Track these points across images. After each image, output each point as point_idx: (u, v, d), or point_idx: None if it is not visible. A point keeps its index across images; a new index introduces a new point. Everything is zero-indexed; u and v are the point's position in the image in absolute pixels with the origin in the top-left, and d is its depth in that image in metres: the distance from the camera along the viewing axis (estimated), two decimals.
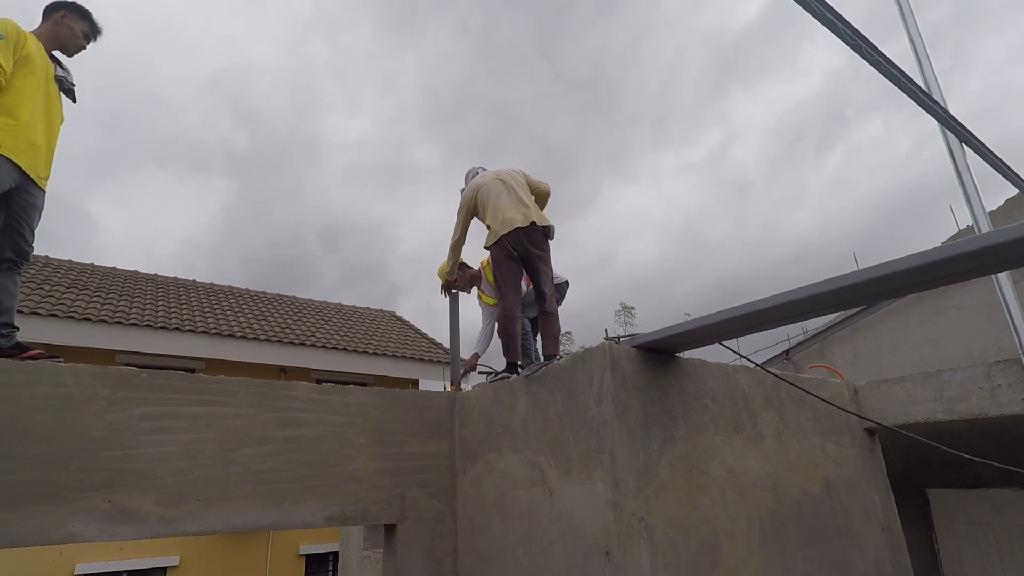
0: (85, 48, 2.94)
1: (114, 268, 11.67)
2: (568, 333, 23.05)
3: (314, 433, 2.91)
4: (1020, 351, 3.05)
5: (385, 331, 12.53)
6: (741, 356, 2.86)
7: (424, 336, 12.93)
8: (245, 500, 2.64)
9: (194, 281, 12.50)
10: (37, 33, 2.78)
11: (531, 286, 3.92)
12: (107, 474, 2.38)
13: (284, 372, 9.90)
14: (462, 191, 4.04)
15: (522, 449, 2.78)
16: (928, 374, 3.42)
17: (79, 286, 9.63)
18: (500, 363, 3.56)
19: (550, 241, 3.63)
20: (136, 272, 11.91)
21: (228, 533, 2.71)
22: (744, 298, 2.52)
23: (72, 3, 2.88)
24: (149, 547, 8.37)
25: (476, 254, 4.43)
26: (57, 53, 2.89)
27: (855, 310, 6.71)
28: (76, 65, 2.99)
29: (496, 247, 3.49)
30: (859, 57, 2.83)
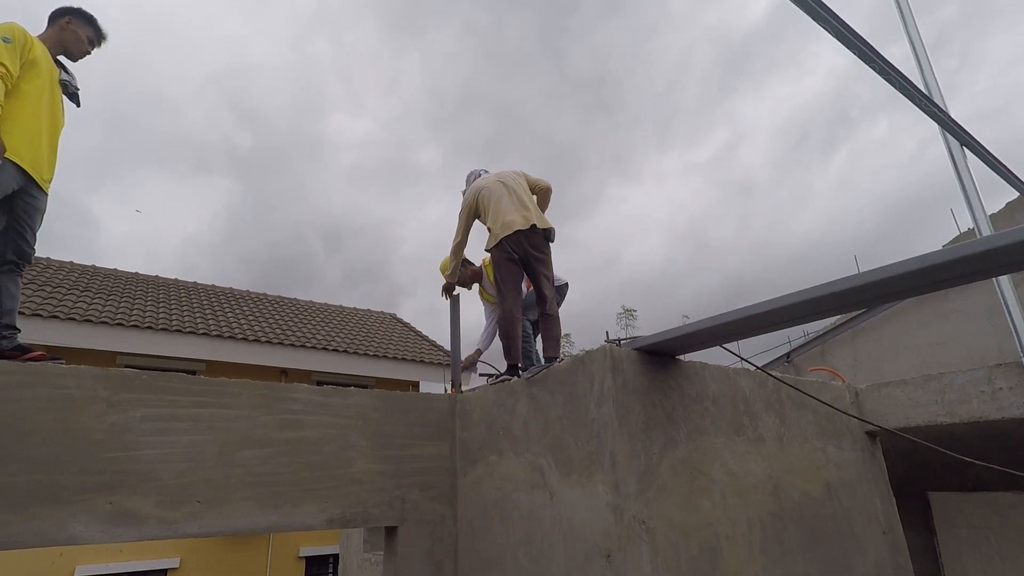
0: (90, 54, 2.96)
1: (115, 270, 11.68)
2: (568, 335, 23.04)
3: (315, 435, 2.91)
4: (1021, 354, 3.04)
5: (386, 333, 12.54)
6: (742, 359, 2.86)
7: (425, 338, 12.93)
8: (246, 502, 2.64)
9: (195, 283, 12.52)
10: (43, 38, 2.79)
11: (531, 288, 3.93)
12: (108, 476, 2.38)
13: (285, 374, 9.91)
14: (463, 192, 4.05)
15: (523, 451, 2.78)
16: (929, 377, 3.42)
17: (80, 288, 9.64)
18: (501, 365, 3.57)
19: (551, 244, 3.63)
20: (137, 274, 11.93)
21: (228, 535, 2.70)
22: (749, 299, 2.53)
23: (78, 9, 2.89)
24: (149, 549, 8.37)
25: (478, 255, 4.44)
26: (61, 58, 2.90)
27: (856, 313, 6.70)
28: (79, 64, 3.00)
29: (496, 249, 3.50)
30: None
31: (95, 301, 9.16)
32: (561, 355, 3.30)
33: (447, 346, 12.58)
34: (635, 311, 23.57)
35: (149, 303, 9.97)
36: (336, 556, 9.48)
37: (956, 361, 5.55)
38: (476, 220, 3.84)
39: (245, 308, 11.57)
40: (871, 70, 3.00)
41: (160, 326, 8.83)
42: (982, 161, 3.93)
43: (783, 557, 2.65)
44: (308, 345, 10.03)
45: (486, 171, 4.08)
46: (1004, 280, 3.30)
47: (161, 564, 8.44)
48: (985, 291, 5.54)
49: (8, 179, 2.49)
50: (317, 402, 2.98)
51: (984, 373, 3.17)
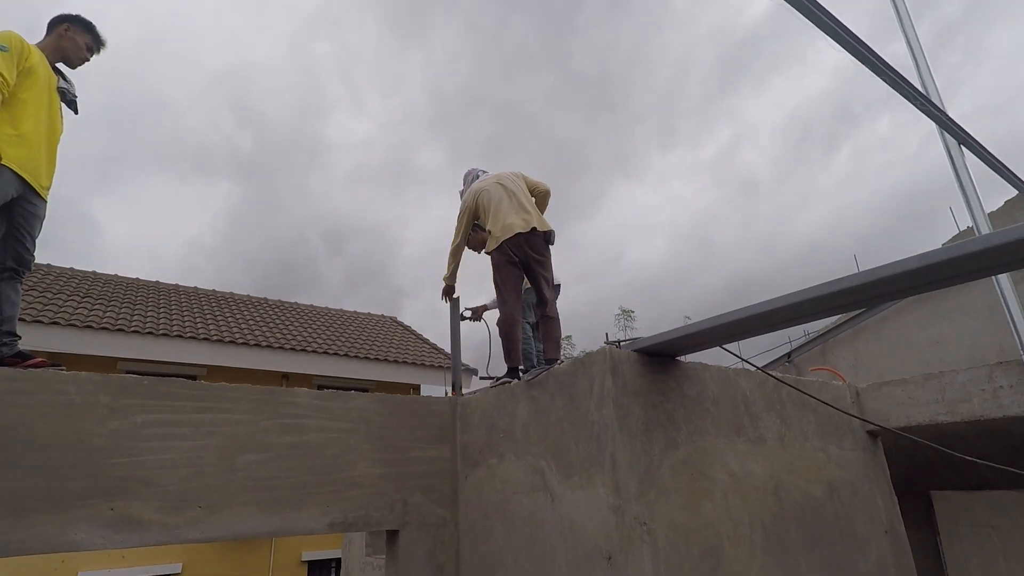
0: (89, 60, 2.97)
1: (116, 275, 11.70)
2: (569, 337, 23.02)
3: (316, 439, 2.91)
4: (1022, 352, 3.04)
5: (387, 337, 12.54)
6: (743, 359, 2.86)
7: (426, 341, 12.93)
8: (247, 507, 2.64)
9: (196, 288, 12.53)
10: (41, 45, 2.80)
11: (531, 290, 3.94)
12: (110, 482, 2.38)
13: (286, 378, 9.91)
14: (461, 193, 4.05)
15: (523, 454, 2.78)
16: (930, 376, 3.42)
17: (81, 294, 9.65)
18: (502, 368, 3.57)
19: (551, 246, 3.64)
20: (138, 279, 11.94)
21: (230, 540, 2.70)
22: (753, 299, 2.51)
23: (76, 16, 2.90)
24: (151, 554, 8.36)
25: (474, 263, 4.42)
26: (60, 65, 2.91)
27: (856, 312, 6.70)
28: (78, 70, 3.01)
29: (497, 252, 3.50)
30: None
31: (96, 307, 9.17)
32: (561, 357, 3.30)
33: (448, 348, 12.60)
34: (633, 312, 23.55)
35: (149, 308, 9.98)
36: (338, 560, 9.47)
37: (957, 360, 5.55)
38: (476, 223, 3.84)
39: (246, 312, 11.57)
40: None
41: (160, 331, 8.83)
42: (980, 159, 3.94)
43: (785, 557, 2.65)
44: (309, 349, 10.04)
45: (484, 171, 4.07)
46: (1003, 278, 3.30)
47: (163, 570, 8.43)
48: (985, 289, 5.54)
49: (7, 186, 2.50)
50: (318, 406, 2.98)
51: (985, 372, 3.17)
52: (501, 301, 3.51)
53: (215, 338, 9.23)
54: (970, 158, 3.86)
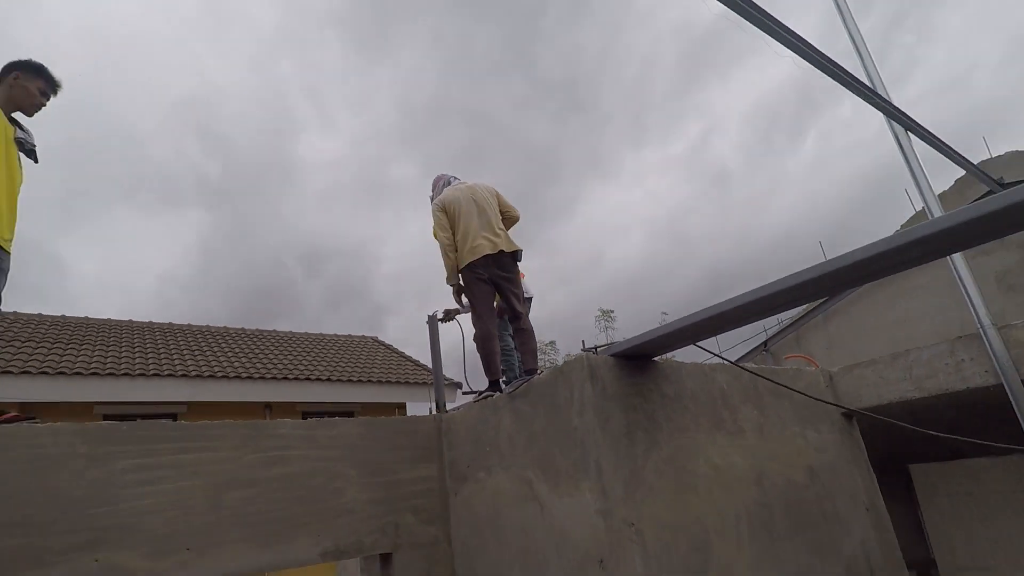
0: (45, 105, 2.93)
1: (87, 318, 11.43)
2: (554, 342, 23.09)
3: (302, 469, 2.90)
4: (979, 326, 3.18)
5: (368, 357, 12.45)
6: (717, 355, 2.93)
7: (408, 359, 12.86)
8: (237, 544, 2.62)
9: (170, 324, 12.30)
10: None
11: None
12: (92, 532, 2.35)
13: (269, 408, 9.77)
14: (431, 199, 4.03)
15: (510, 466, 2.81)
16: (897, 355, 3.54)
17: (51, 340, 9.41)
18: (480, 379, 3.60)
19: (518, 263, 3.70)
20: (109, 320, 11.68)
21: None
22: (732, 290, 2.59)
23: (25, 62, 2.86)
24: None
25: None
26: (17, 114, 2.87)
27: (825, 298, 6.88)
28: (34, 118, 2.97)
29: (466, 271, 3.55)
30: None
31: (67, 352, 8.95)
32: (540, 367, 3.35)
33: (431, 364, 12.56)
34: (612, 312, 23.72)
35: (124, 349, 9.77)
36: None
37: (925, 336, 5.72)
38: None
39: (224, 345, 11.40)
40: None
41: (137, 371, 8.65)
42: (927, 143, 4.11)
43: (772, 545, 2.72)
44: (291, 377, 9.92)
45: (456, 178, 4.04)
46: (957, 257, 3.44)
47: None
48: (945, 265, 5.75)
49: None
50: (301, 436, 2.97)
51: (947, 347, 3.30)
52: (476, 317, 3.55)
53: (194, 374, 9.07)
54: (918, 143, 4.03)
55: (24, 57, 2.90)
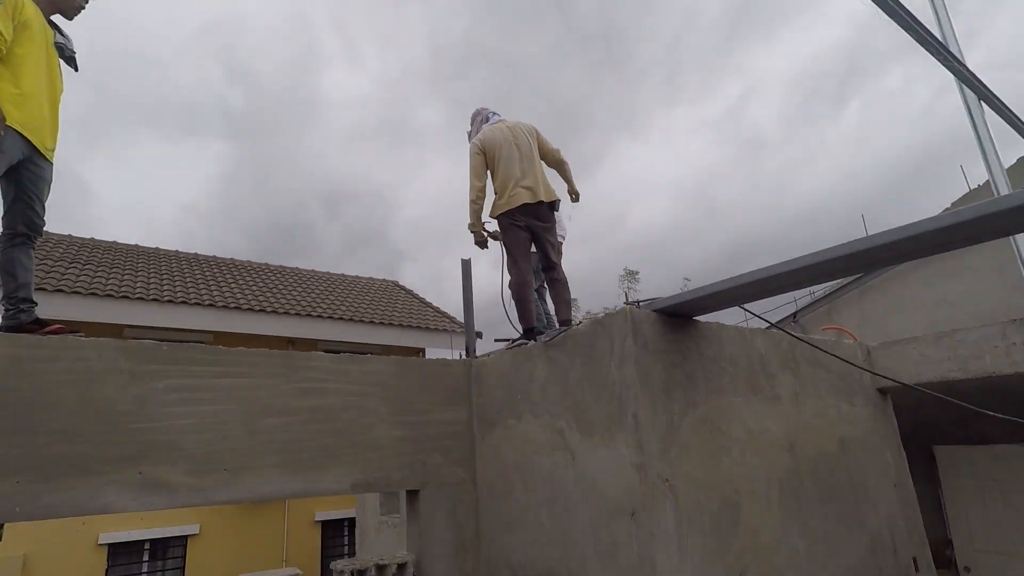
0: (84, 8, 2.85)
1: (115, 242, 11.61)
2: (575, 300, 23.03)
3: (335, 402, 2.93)
4: None
5: (389, 301, 12.56)
6: (763, 319, 2.86)
7: (428, 305, 12.96)
8: (271, 469, 2.68)
9: (196, 254, 12.46)
10: None
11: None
12: (136, 446, 2.41)
13: (292, 343, 9.95)
14: (469, 134, 3.90)
15: (542, 414, 2.81)
16: (942, 334, 3.43)
17: (81, 261, 9.59)
18: (512, 332, 3.58)
19: (555, 212, 3.60)
20: (137, 246, 11.86)
21: (257, 502, 2.75)
22: (755, 261, 2.52)
23: None
24: (170, 516, 8.55)
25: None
26: (56, 18, 2.80)
27: (861, 273, 6.70)
28: (72, 23, 2.90)
29: (503, 216, 3.49)
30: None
31: (98, 274, 9.13)
32: (573, 318, 3.30)
33: (451, 312, 12.63)
34: (637, 273, 23.41)
35: (152, 275, 9.94)
36: (351, 520, 9.72)
37: (964, 318, 5.57)
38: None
39: (248, 278, 11.55)
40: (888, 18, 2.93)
41: (165, 298, 8.82)
42: (999, 115, 3.87)
43: (800, 511, 2.71)
44: (313, 314, 10.06)
45: (495, 114, 3.85)
46: (1021, 237, 3.28)
47: (182, 531, 8.65)
48: (995, 248, 5.52)
49: (13, 149, 2.44)
50: (335, 370, 3.00)
51: (998, 329, 3.18)
52: (511, 263, 3.49)
53: (220, 304, 9.23)
54: (988, 113, 3.79)
55: None
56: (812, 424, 3.00)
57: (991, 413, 2.46)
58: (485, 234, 3.71)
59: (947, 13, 4.13)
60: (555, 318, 3.72)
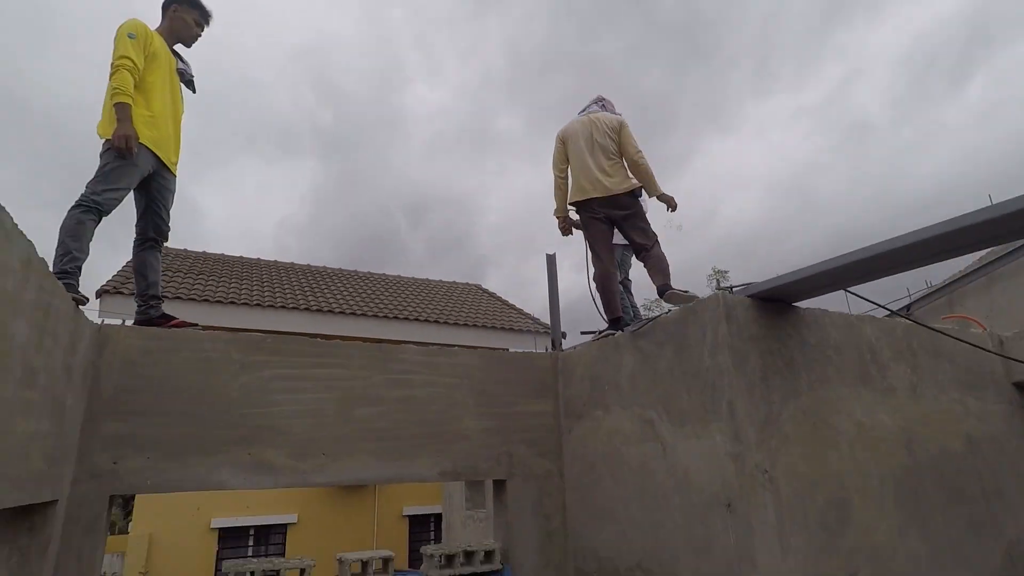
0: (201, 35, 3.13)
1: (222, 255, 12.65)
2: (657, 301, 22.35)
3: (424, 393, 3.02)
4: None
5: (473, 303, 12.80)
6: (869, 301, 2.63)
7: (511, 307, 13.08)
8: (365, 455, 2.80)
9: (292, 263, 13.32)
10: (159, 30, 2.98)
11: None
12: (246, 430, 2.59)
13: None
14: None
15: (630, 405, 2.75)
16: None
17: (196, 272, 10.53)
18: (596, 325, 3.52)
19: (639, 199, 3.48)
20: (241, 257, 12.85)
21: (351, 485, 2.87)
22: None
23: None
24: (271, 505, 9.20)
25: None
26: (178, 47, 3.09)
27: (992, 258, 5.99)
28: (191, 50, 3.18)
29: (581, 210, 3.52)
30: None
31: (209, 282, 9.98)
32: (671, 286, 3.10)
33: (535, 313, 12.67)
34: (727, 272, 22.30)
35: (255, 283, 10.73)
36: (438, 515, 9.96)
37: None
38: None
39: (339, 284, 12.19)
40: None
41: (266, 303, 9.50)
42: None
43: (920, 514, 2.47)
44: (400, 317, 10.44)
45: (597, 105, 3.78)
46: None
47: (282, 519, 9.26)
48: None
49: (145, 163, 2.72)
50: (424, 362, 3.09)
51: None
52: (593, 256, 3.46)
53: (314, 308, 9.80)
54: None
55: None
56: (933, 419, 2.73)
57: None
58: (570, 222, 3.73)
59: None
60: (640, 310, 3.62)
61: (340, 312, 9.93)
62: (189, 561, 8.47)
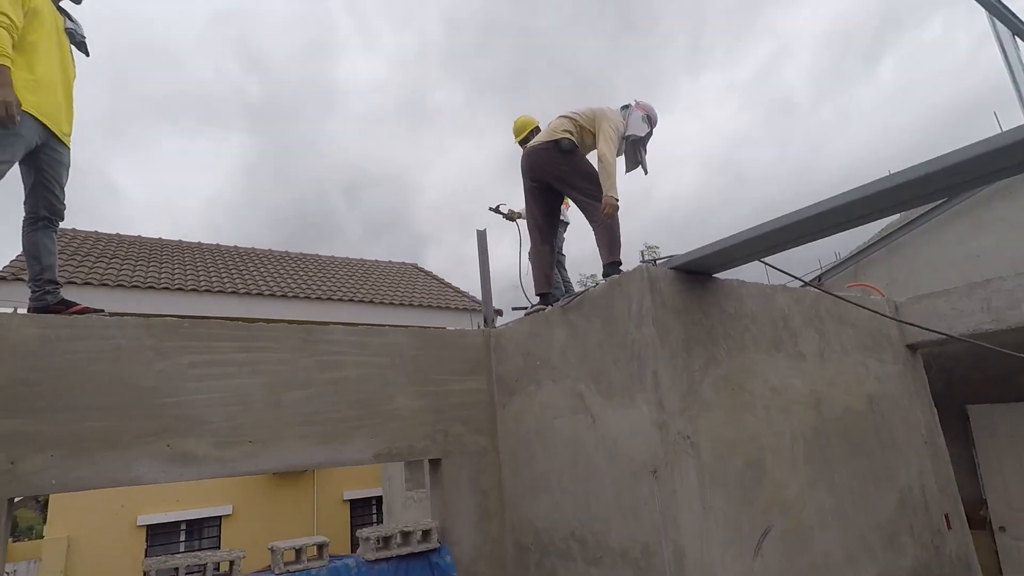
0: None
1: (139, 236, 11.83)
2: (593, 276, 22.76)
3: (355, 374, 2.96)
4: None
5: (409, 283, 12.63)
6: (782, 271, 2.78)
7: (448, 285, 13.00)
8: (296, 441, 2.72)
9: (218, 244, 12.64)
10: None
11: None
12: (163, 420, 2.46)
13: None
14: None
15: (562, 379, 2.80)
16: (974, 285, 3.32)
17: (108, 255, 9.81)
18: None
19: (568, 152, 3.29)
20: (161, 239, 12.07)
21: (284, 471, 2.80)
22: None
23: None
24: (204, 498, 8.82)
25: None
26: (65, 5, 2.81)
27: (891, 230, 6.49)
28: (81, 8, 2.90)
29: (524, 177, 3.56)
30: None
31: (124, 267, 9.33)
32: (618, 259, 3.08)
33: (472, 292, 12.65)
34: (658, 248, 22.97)
35: (176, 266, 10.12)
36: (379, 498, 9.90)
37: (999, 272, 5.34)
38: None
39: (269, 266, 11.70)
40: None
41: (189, 287, 8.99)
42: None
43: (827, 468, 2.67)
44: (334, 298, 10.16)
45: (626, 106, 3.56)
46: None
47: (215, 511, 8.91)
48: None
49: (30, 133, 2.47)
50: (354, 343, 3.02)
51: None
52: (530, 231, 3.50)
53: (242, 291, 9.37)
54: None
55: None
56: (838, 381, 2.94)
57: None
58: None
59: None
60: (573, 285, 3.67)
61: (269, 295, 9.55)
62: (115, 562, 7.99)
